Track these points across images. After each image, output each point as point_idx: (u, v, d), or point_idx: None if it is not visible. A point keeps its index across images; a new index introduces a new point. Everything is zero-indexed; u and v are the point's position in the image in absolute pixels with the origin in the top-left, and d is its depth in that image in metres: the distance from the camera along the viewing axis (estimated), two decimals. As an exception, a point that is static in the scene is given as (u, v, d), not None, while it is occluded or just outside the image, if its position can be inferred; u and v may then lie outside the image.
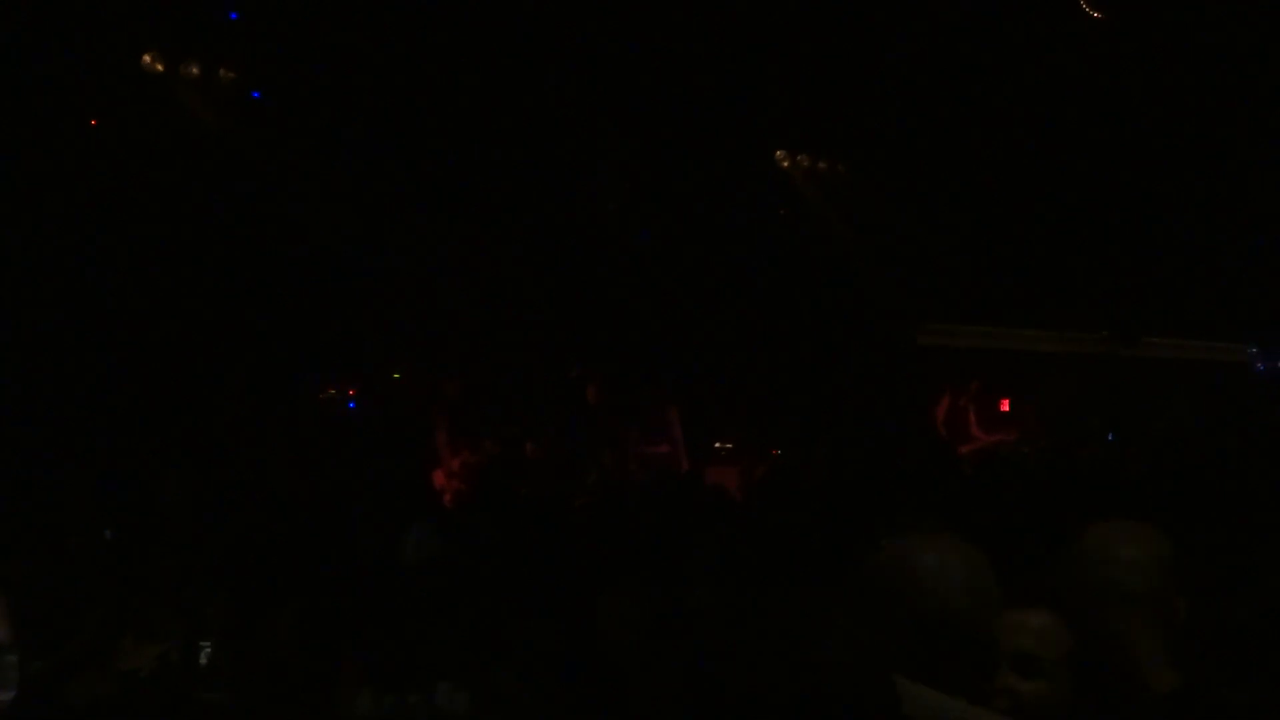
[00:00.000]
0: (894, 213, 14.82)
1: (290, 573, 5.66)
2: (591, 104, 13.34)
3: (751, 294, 14.61)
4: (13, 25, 11.46)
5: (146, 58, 12.52)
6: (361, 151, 13.15)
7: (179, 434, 11.67)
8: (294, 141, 13.04)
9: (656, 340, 13.97)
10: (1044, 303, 15.16)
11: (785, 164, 15.09)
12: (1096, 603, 3.19)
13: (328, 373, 13.50)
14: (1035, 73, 13.50)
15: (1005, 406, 14.35)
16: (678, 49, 13.08)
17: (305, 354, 13.18)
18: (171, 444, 11.34)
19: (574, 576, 5.31)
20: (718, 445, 13.14)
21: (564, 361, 13.05)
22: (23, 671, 4.95)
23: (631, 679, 4.32)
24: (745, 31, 12.99)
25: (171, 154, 12.70)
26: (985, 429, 13.69)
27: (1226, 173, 13.84)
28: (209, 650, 5.03)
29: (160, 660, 4.89)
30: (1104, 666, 3.16)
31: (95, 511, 7.33)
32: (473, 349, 13.36)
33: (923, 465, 9.69)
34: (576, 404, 12.54)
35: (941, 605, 2.81)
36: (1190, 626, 3.22)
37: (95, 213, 12.37)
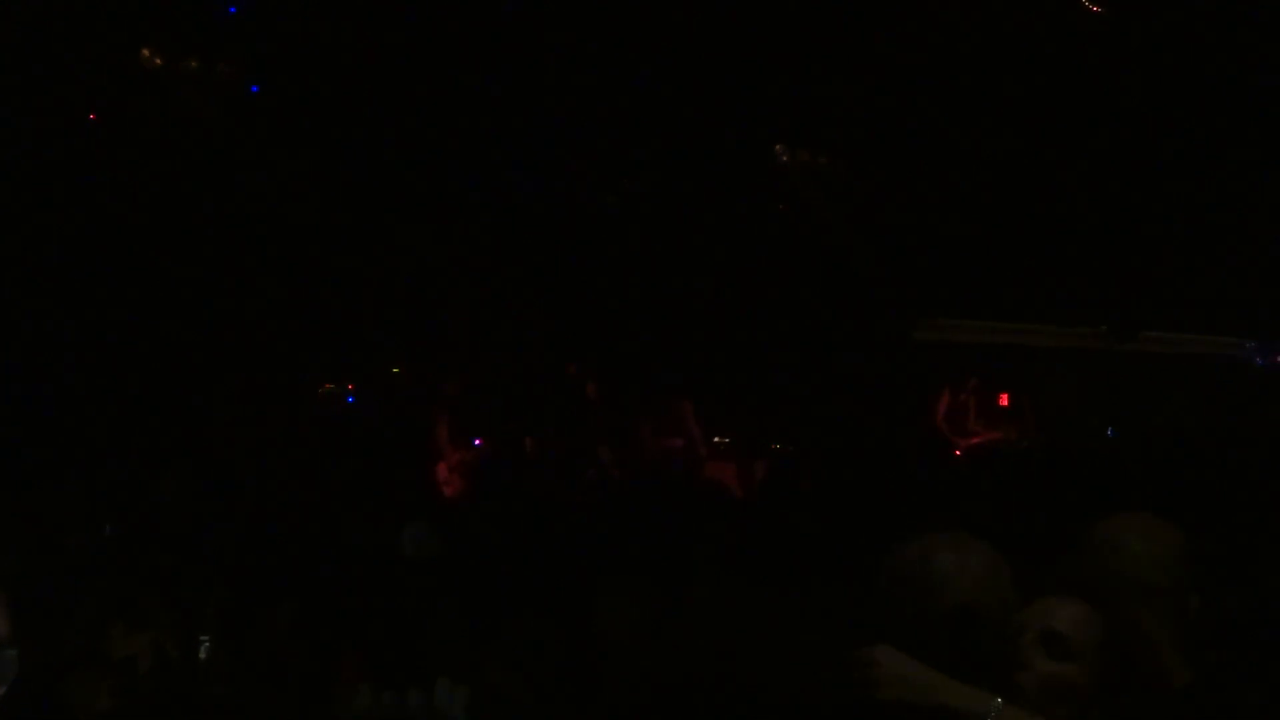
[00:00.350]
0: (892, 207, 14.80)
1: (289, 569, 5.65)
2: (591, 99, 13.33)
3: (749, 289, 14.60)
4: (10, 20, 11.45)
5: (144, 52, 12.50)
6: (361, 146, 13.14)
7: (177, 430, 11.66)
8: (293, 136, 13.03)
9: (658, 336, 13.96)
10: (1042, 297, 15.15)
11: (784, 159, 15.08)
12: (1109, 596, 3.22)
13: (326, 368, 13.49)
14: (1034, 67, 13.48)
15: (1004, 401, 14.34)
16: (677, 43, 13.07)
17: (304, 349, 13.17)
18: (170, 440, 11.32)
19: (573, 574, 5.31)
20: (715, 440, 13.14)
21: (563, 358, 13.06)
22: (22, 667, 4.95)
23: (630, 676, 4.31)
24: (744, 25, 12.98)
25: (169, 149, 12.68)
26: (984, 425, 13.68)
27: (1227, 167, 13.83)
28: (207, 646, 5.02)
29: (158, 656, 4.88)
30: (1121, 659, 3.18)
31: (93, 508, 7.33)
32: (473, 345, 13.35)
33: (923, 461, 9.70)
34: (575, 401, 12.54)
35: (961, 601, 2.85)
36: (1202, 620, 3.24)
37: (93, 209, 12.35)
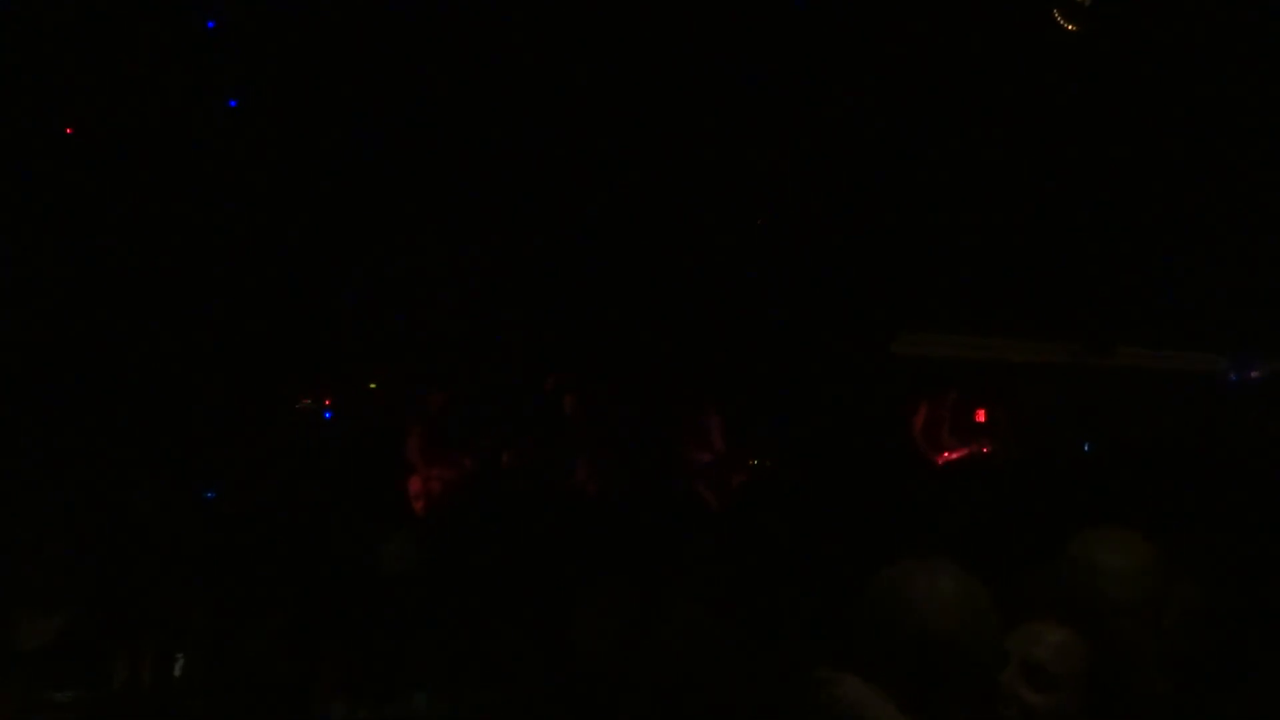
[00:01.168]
0: (870, 221, 14.82)
1: (268, 583, 5.64)
2: (567, 105, 13.34)
3: (726, 302, 14.61)
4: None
5: (124, 64, 12.47)
6: (339, 158, 13.13)
7: (155, 444, 11.62)
8: (270, 148, 13.01)
9: (637, 348, 13.96)
10: (1018, 312, 15.19)
11: (761, 170, 15.07)
12: (1084, 612, 3.22)
13: (303, 383, 13.46)
14: (1009, 86, 13.54)
15: (981, 417, 14.38)
16: (651, 49, 13.10)
17: (281, 364, 13.14)
18: (147, 455, 11.29)
19: (551, 587, 5.30)
20: (696, 455, 13.13)
21: (542, 370, 13.04)
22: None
23: (607, 688, 4.31)
24: (720, 35, 13.02)
25: (146, 161, 12.66)
26: (959, 439, 13.70)
27: (1202, 183, 13.90)
28: (182, 662, 5.00)
29: (131, 671, 4.86)
30: (1101, 677, 3.19)
31: (73, 521, 7.30)
32: (453, 358, 13.33)
33: (902, 477, 9.73)
34: (554, 414, 12.54)
35: (927, 628, 2.83)
36: (1179, 633, 3.25)
37: (68, 220, 12.33)
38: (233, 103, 13.08)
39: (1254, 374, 15.46)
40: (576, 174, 14.16)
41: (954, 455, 13.48)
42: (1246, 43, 12.60)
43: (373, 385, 13.67)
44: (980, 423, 14.18)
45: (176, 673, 4.97)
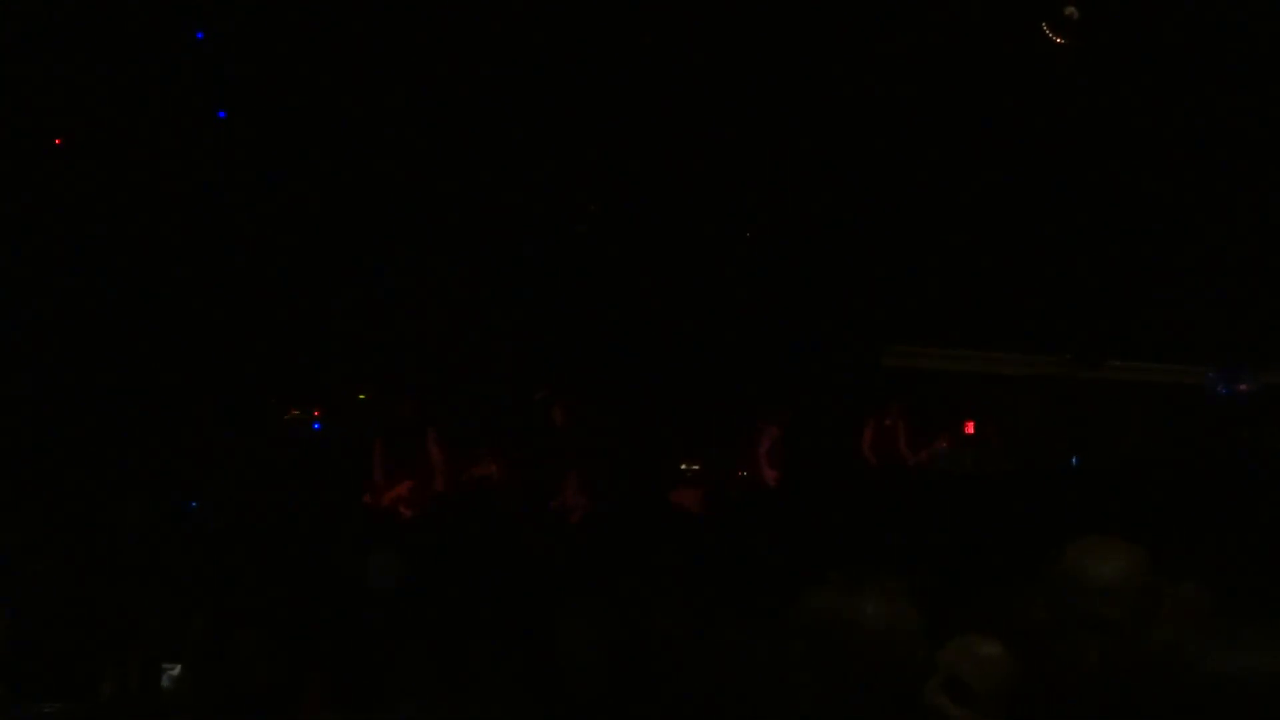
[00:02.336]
0: (859, 233, 14.86)
1: (256, 595, 5.63)
2: (553, 117, 13.37)
3: (718, 315, 14.64)
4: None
5: (114, 76, 12.49)
6: (328, 172, 13.15)
7: (143, 458, 11.61)
8: (261, 162, 13.03)
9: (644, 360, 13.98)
10: (1007, 325, 15.22)
11: (753, 186, 15.11)
12: (1060, 627, 3.20)
13: (292, 394, 13.46)
14: (999, 100, 13.59)
15: (970, 429, 14.39)
16: (638, 59, 13.14)
17: (270, 376, 13.14)
18: (135, 468, 11.28)
19: (537, 598, 5.30)
20: (683, 467, 13.14)
21: (537, 383, 13.05)
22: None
23: (594, 701, 4.31)
24: (706, 44, 13.06)
25: (135, 174, 12.66)
26: (916, 449, 13.68)
27: (1191, 198, 13.95)
28: (172, 674, 4.99)
29: (118, 682, 4.85)
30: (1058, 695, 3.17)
31: (57, 539, 7.28)
32: (443, 370, 13.33)
33: (883, 487, 9.74)
34: (544, 427, 12.53)
35: (865, 651, 2.86)
36: (1174, 640, 3.23)
37: (57, 234, 12.33)
38: (221, 114, 13.10)
39: (1242, 387, 15.50)
40: (566, 189, 14.20)
41: (911, 464, 13.47)
42: (1231, 62, 12.66)
43: (361, 397, 13.67)
44: (937, 430, 14.10)
45: (164, 684, 4.97)
